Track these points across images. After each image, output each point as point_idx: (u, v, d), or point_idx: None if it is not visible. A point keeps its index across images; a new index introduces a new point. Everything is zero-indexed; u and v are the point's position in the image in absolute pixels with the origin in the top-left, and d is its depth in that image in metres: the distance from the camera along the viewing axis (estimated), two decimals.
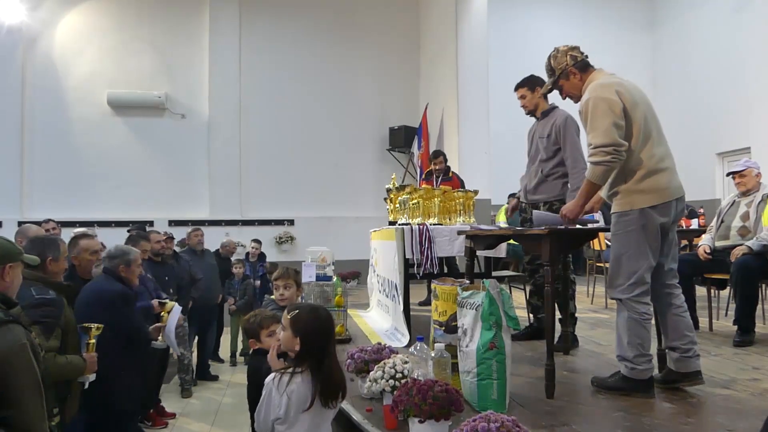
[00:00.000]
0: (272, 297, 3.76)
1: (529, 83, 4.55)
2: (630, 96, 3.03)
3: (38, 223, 5.49)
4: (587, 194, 3.12)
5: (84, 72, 10.59)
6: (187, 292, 6.22)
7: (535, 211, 3.71)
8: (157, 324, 3.65)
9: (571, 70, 3.24)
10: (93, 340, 3.06)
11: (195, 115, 10.97)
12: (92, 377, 3.03)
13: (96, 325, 3.09)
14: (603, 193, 3.23)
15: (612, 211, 3.12)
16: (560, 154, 4.38)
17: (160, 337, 3.60)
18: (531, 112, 4.61)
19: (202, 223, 10.12)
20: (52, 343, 2.76)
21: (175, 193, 10.76)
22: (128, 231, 6.53)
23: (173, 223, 10.39)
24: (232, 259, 8.14)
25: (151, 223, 9.97)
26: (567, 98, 3.39)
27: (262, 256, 8.66)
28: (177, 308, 3.82)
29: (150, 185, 10.66)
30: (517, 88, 4.61)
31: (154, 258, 5.65)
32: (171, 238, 6.52)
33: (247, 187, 11.06)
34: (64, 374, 2.83)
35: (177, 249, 6.89)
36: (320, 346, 2.32)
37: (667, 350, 3.19)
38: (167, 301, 3.75)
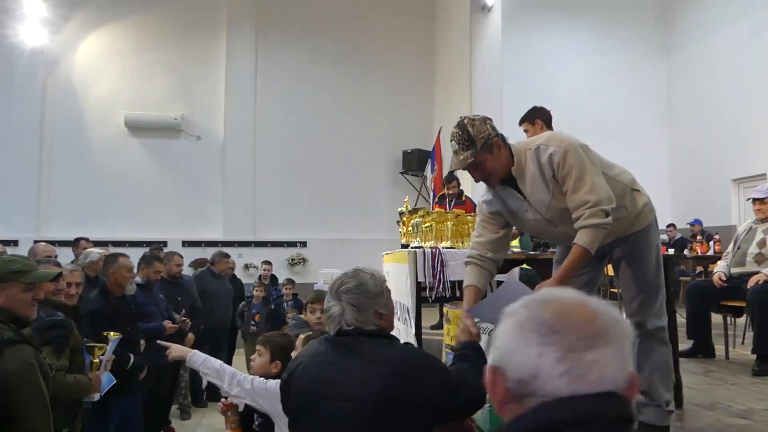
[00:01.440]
0: (300, 315, 3.72)
1: (528, 117, 4.57)
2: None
3: (54, 243, 5.55)
4: (577, 269, 2.48)
5: (102, 94, 10.78)
6: (199, 314, 6.21)
7: (502, 278, 3.09)
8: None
9: (495, 141, 2.49)
10: (97, 360, 3.07)
11: (210, 136, 11.09)
12: (97, 396, 3.03)
13: (99, 345, 3.11)
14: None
15: (624, 234, 2.67)
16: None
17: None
18: None
19: (216, 244, 10.15)
20: (62, 362, 2.79)
21: (188, 213, 10.84)
22: (148, 250, 6.57)
23: (186, 243, 10.45)
24: (253, 281, 8.15)
25: (165, 244, 10.02)
26: (481, 182, 2.61)
27: (273, 279, 8.65)
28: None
29: (164, 206, 10.76)
30: (520, 123, 4.63)
31: (168, 279, 5.68)
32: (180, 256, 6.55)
33: (260, 209, 11.12)
34: (72, 394, 2.84)
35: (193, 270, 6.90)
36: None
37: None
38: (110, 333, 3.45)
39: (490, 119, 2.58)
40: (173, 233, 10.59)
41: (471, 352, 2.16)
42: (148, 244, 9.15)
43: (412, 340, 4.86)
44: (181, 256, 6.13)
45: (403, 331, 5.31)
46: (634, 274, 2.74)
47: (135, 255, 6.48)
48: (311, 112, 11.45)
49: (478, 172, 2.52)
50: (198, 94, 11.17)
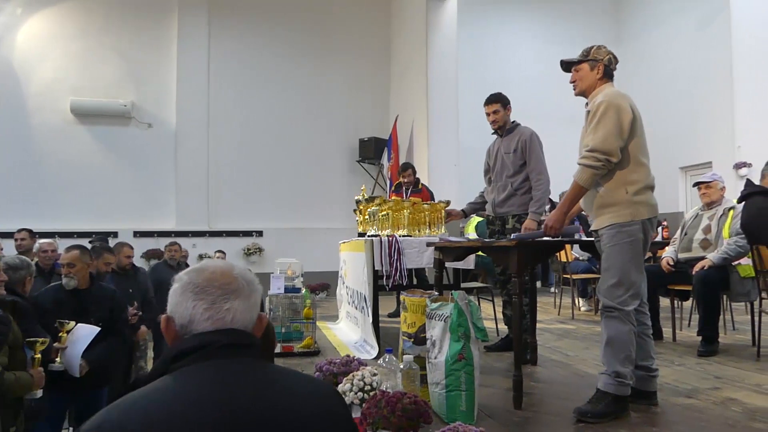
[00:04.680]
0: None
1: (502, 100, 4.67)
2: (638, 112, 3.07)
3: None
4: (573, 199, 3.11)
5: (46, 79, 10.36)
6: (152, 306, 6.08)
7: (515, 235, 3.59)
8: (55, 344, 3.41)
9: (600, 66, 3.15)
10: (38, 355, 2.97)
11: (162, 124, 10.81)
12: (40, 393, 2.95)
13: (41, 339, 3.01)
14: (587, 203, 3.19)
15: (610, 222, 3.01)
16: (526, 168, 4.55)
17: (57, 359, 3.37)
18: (498, 129, 4.71)
19: (169, 234, 9.94)
20: (1, 359, 2.68)
21: (140, 203, 10.56)
22: (90, 242, 6.39)
23: (138, 234, 10.20)
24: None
25: (115, 234, 9.77)
26: (571, 83, 3.25)
27: None
28: (85, 328, 3.54)
29: (114, 195, 10.44)
30: (489, 102, 4.68)
31: (117, 271, 5.53)
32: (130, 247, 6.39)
33: (214, 198, 10.91)
34: (15, 391, 2.74)
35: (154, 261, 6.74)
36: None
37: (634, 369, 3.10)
38: (68, 322, 3.49)
39: (616, 60, 3.22)
40: (124, 223, 10.30)
41: None
42: (97, 234, 8.88)
43: (370, 328, 4.87)
44: (132, 247, 5.97)
45: (360, 319, 5.32)
46: (603, 260, 3.09)
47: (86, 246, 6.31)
48: (266, 99, 11.27)
49: (573, 74, 3.23)
50: (149, 80, 10.84)
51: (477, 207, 5.02)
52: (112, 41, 10.66)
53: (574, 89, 3.25)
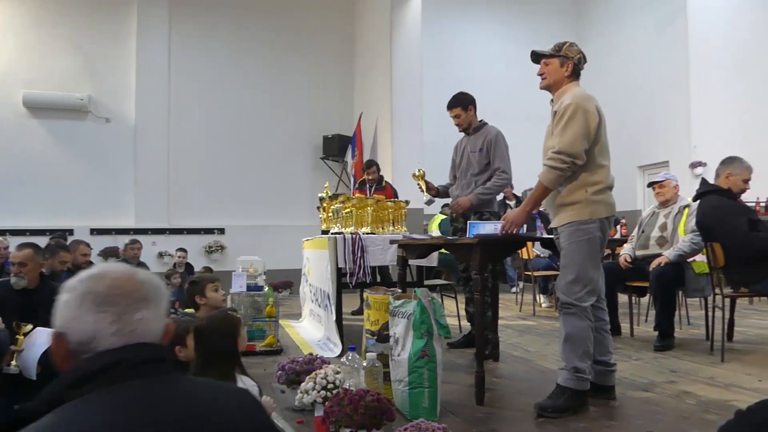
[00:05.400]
0: (188, 311, 3.61)
1: (462, 103, 4.67)
2: (603, 115, 3.12)
3: None
4: (537, 199, 3.16)
5: None
6: None
7: (471, 222, 3.70)
8: (11, 346, 3.30)
9: (570, 64, 3.18)
10: None
11: (120, 119, 10.54)
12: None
13: None
14: (548, 201, 3.22)
15: (569, 220, 3.07)
16: (490, 167, 4.58)
17: (13, 362, 3.27)
18: (465, 129, 4.74)
19: (127, 231, 9.73)
20: None
21: (97, 200, 10.27)
22: (51, 240, 6.20)
23: (95, 231, 9.94)
24: (168, 268, 7.90)
25: (71, 232, 9.48)
26: (539, 75, 3.26)
27: (189, 266, 8.39)
28: (41, 331, 3.43)
29: (70, 192, 10.14)
30: (450, 107, 4.70)
31: (73, 270, 5.37)
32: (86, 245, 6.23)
33: (175, 195, 10.70)
34: None
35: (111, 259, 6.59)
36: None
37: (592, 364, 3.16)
38: (25, 324, 3.38)
39: (584, 56, 3.27)
40: (80, 221, 10.01)
41: None
42: (52, 232, 8.61)
43: (333, 326, 4.85)
44: (89, 245, 5.82)
45: (323, 317, 5.29)
46: (561, 257, 3.13)
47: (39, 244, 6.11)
48: (229, 95, 11.10)
49: (542, 67, 3.25)
50: (106, 73, 10.54)
51: (445, 189, 4.97)
52: (67, 32, 10.34)
53: (541, 82, 3.27)
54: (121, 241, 7.77)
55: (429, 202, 4.85)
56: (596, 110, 3.06)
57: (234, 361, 2.46)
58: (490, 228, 3.48)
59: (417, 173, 4.76)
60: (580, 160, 2.99)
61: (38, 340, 3.33)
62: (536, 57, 3.29)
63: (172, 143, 10.73)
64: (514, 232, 3.24)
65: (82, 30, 10.42)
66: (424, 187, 4.70)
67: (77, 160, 10.30)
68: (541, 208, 5.45)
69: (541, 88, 3.31)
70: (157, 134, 10.62)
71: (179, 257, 8.32)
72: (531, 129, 8.27)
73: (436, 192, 4.84)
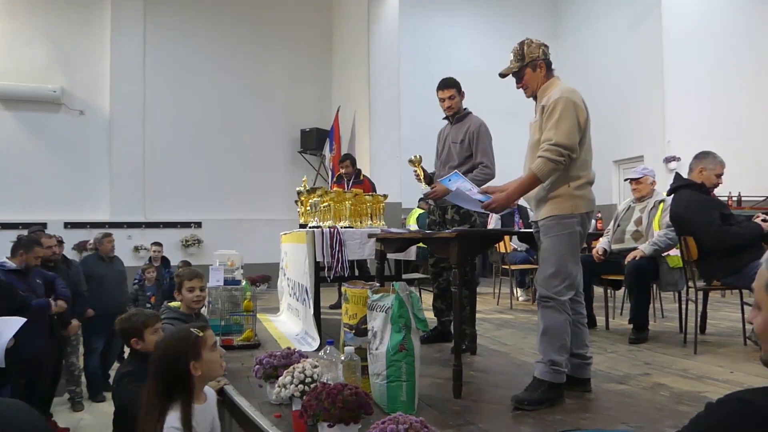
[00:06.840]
0: (171, 305, 3.58)
1: (457, 85, 4.52)
2: (587, 108, 3.13)
3: None
4: (526, 189, 3.11)
5: None
6: (84, 300, 5.86)
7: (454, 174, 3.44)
8: None
9: (540, 63, 3.17)
10: None
11: (95, 111, 10.36)
12: None
13: None
14: (529, 194, 3.18)
15: (550, 213, 3.07)
16: (471, 160, 4.43)
17: None
18: (452, 115, 4.55)
19: (102, 225, 9.58)
20: None
21: (71, 193, 10.10)
22: (29, 233, 6.09)
23: (69, 225, 9.79)
24: (142, 264, 7.81)
25: (44, 225, 9.28)
26: (519, 88, 3.26)
27: (165, 260, 8.30)
28: (9, 320, 3.39)
29: (43, 185, 9.95)
30: (445, 87, 4.50)
31: (46, 264, 5.29)
32: (61, 242, 6.13)
33: (151, 188, 10.56)
34: None
35: (87, 253, 6.49)
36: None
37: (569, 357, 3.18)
38: None
39: (547, 47, 3.23)
40: (54, 214, 9.84)
41: None
42: (25, 226, 8.47)
43: (311, 320, 4.84)
44: (58, 239, 5.73)
45: (301, 311, 5.27)
46: (541, 250, 3.14)
47: (10, 238, 6.02)
48: (206, 88, 10.98)
49: (518, 80, 3.23)
50: (80, 65, 10.35)
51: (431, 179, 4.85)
52: (39, 23, 10.12)
53: (525, 93, 3.27)
54: (95, 235, 7.64)
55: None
56: (583, 104, 3.08)
57: (185, 388, 2.25)
58: (467, 188, 3.29)
59: (414, 158, 4.47)
60: (575, 153, 3.01)
61: (4, 328, 3.30)
62: (505, 76, 3.27)
63: (147, 136, 10.59)
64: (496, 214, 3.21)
65: (55, 21, 10.21)
66: (421, 174, 4.47)
67: (50, 152, 10.11)
68: (520, 202, 5.47)
69: (528, 98, 3.30)
70: (132, 127, 10.47)
71: (154, 251, 8.21)
72: (510, 125, 8.31)
73: (429, 180, 4.72)
